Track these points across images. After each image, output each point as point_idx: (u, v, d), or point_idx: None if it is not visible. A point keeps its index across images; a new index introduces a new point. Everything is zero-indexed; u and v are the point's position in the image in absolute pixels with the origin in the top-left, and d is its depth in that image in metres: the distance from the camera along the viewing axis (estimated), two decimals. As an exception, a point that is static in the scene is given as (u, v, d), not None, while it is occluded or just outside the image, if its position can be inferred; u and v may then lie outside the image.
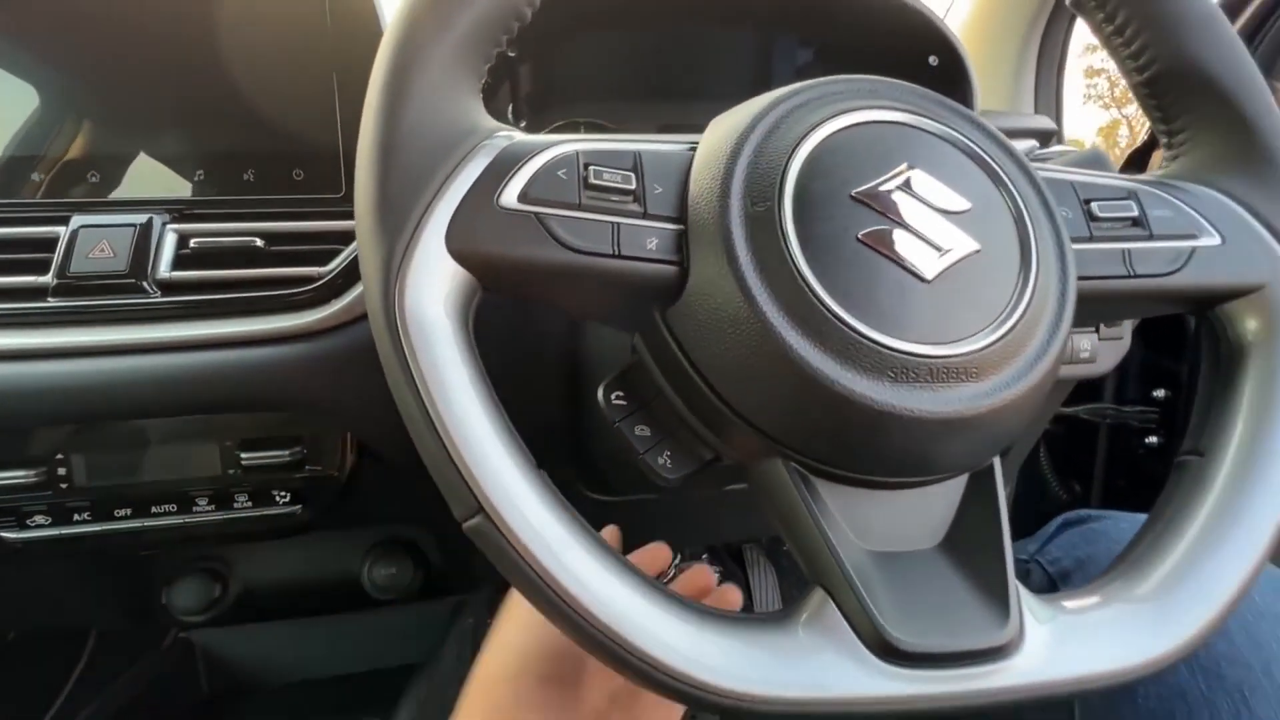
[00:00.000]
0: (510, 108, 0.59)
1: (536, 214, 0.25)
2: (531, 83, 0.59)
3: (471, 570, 0.72)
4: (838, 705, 0.23)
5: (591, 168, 0.26)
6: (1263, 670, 0.31)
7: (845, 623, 0.24)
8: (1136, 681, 0.25)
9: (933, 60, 0.56)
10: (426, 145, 0.25)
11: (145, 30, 0.44)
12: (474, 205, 0.25)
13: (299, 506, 0.46)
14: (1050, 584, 0.44)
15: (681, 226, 0.26)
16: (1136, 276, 0.30)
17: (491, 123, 0.27)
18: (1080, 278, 0.28)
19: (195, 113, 0.44)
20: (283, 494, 0.45)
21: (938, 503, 0.28)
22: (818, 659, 0.24)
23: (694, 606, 0.24)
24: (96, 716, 0.55)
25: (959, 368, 0.24)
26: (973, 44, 0.83)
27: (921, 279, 0.25)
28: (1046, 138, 0.70)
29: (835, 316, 0.24)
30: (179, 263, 0.41)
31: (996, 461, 0.29)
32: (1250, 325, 0.31)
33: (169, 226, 0.41)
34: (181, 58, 0.43)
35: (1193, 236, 0.31)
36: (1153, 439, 0.82)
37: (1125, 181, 0.32)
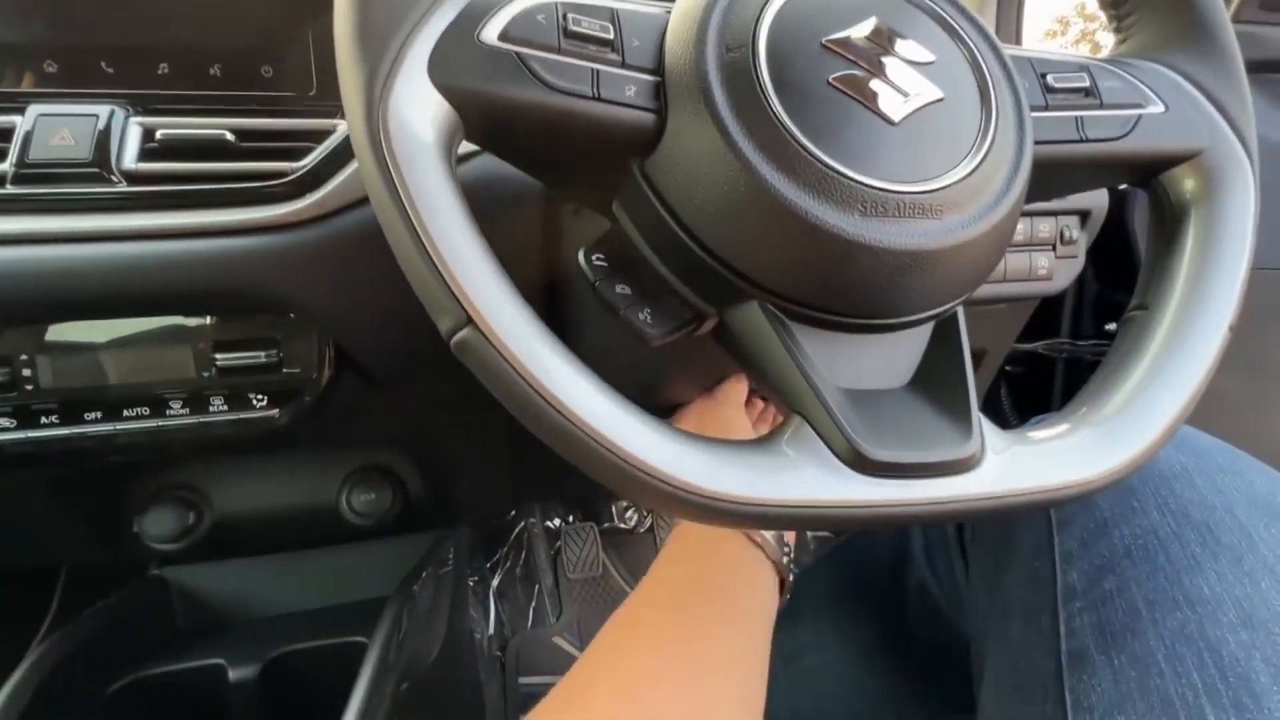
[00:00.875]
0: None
1: (518, 53, 0.25)
2: None
3: (450, 503, 0.72)
4: (811, 506, 0.24)
5: (570, 15, 0.26)
6: (1225, 510, 0.33)
7: (821, 441, 0.26)
8: (1094, 493, 0.27)
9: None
10: None
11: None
12: (456, 39, 0.25)
13: (276, 410, 0.45)
14: None
15: (659, 78, 0.27)
16: (1088, 141, 0.32)
17: None
18: (1036, 142, 0.30)
19: (159, 3, 0.42)
20: (259, 397, 0.45)
21: (905, 348, 0.30)
22: (794, 469, 0.25)
23: (677, 428, 0.26)
24: (67, 648, 0.54)
25: (924, 204, 0.26)
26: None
27: (889, 121, 0.26)
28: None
29: (808, 152, 0.25)
30: (144, 155, 0.40)
31: (960, 312, 0.31)
32: (1189, 185, 0.33)
33: (132, 120, 0.40)
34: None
35: (1139, 105, 0.33)
36: (1106, 371, 0.86)
37: (1078, 57, 0.34)
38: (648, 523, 1.18)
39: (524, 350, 0.23)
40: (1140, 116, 0.33)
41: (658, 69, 0.27)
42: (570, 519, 1.14)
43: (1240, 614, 0.30)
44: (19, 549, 0.59)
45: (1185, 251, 0.32)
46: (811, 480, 0.25)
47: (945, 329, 0.30)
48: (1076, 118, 0.32)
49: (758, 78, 0.25)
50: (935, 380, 0.29)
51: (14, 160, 0.38)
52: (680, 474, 0.24)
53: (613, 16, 0.27)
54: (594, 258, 0.30)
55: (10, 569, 0.65)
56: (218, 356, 0.43)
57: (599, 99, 0.26)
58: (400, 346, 0.48)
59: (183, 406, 0.44)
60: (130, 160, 0.39)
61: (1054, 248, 0.61)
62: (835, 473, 0.25)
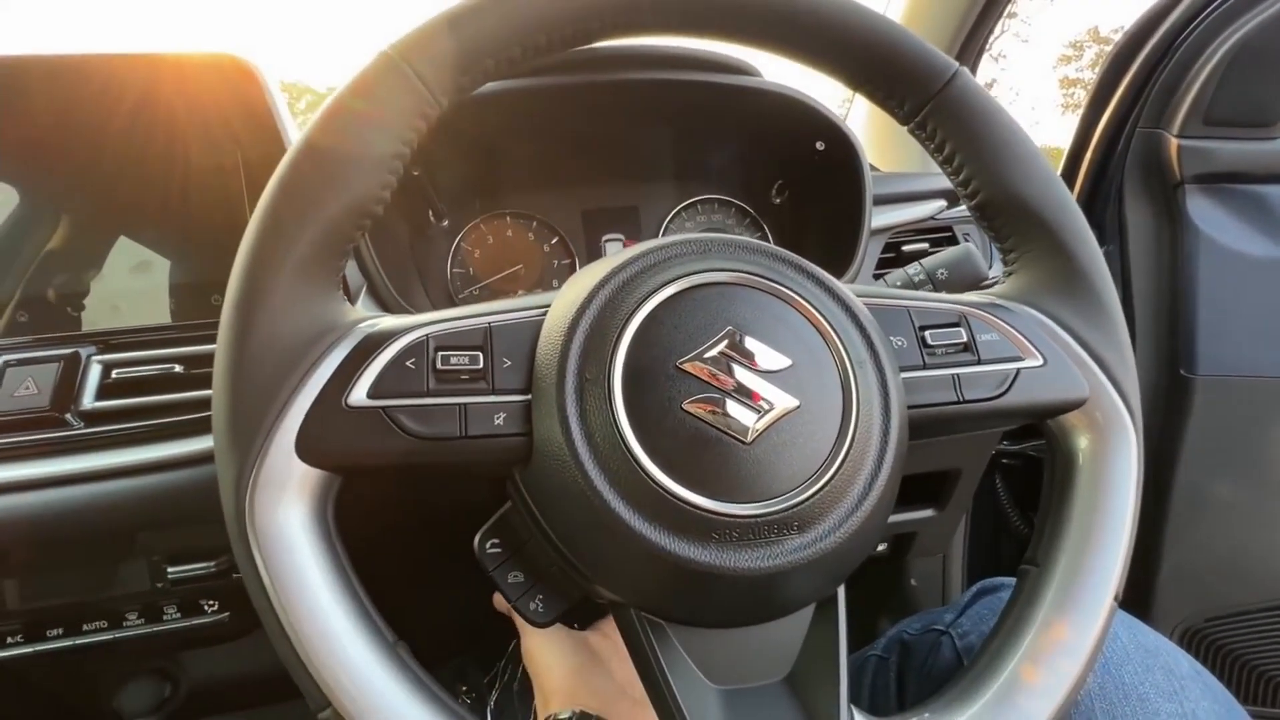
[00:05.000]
0: (430, 210, 0.62)
1: (384, 408, 0.26)
2: (450, 182, 0.62)
3: (433, 649, 0.73)
4: None
5: (440, 353, 0.27)
6: None
7: None
8: None
9: (819, 145, 0.59)
10: (276, 357, 0.26)
11: (79, 186, 0.47)
12: (323, 409, 0.26)
13: (227, 614, 0.47)
14: (957, 658, 0.45)
15: (528, 396, 0.27)
16: (966, 402, 0.31)
17: (347, 317, 0.28)
18: (913, 406, 0.30)
19: (122, 256, 0.47)
20: (210, 603, 0.47)
21: (785, 634, 0.29)
22: None
23: None
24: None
25: (779, 523, 0.25)
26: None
27: (741, 442, 0.26)
28: (955, 197, 0.73)
29: (659, 485, 0.25)
30: (103, 392, 0.43)
31: (840, 590, 0.30)
32: (1081, 442, 0.33)
33: (94, 358, 0.44)
34: (109, 209, 0.47)
35: (1018, 359, 0.32)
36: (1098, 473, 0.83)
37: (957, 305, 0.33)
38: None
39: None
40: (1018, 371, 0.32)
41: (527, 387, 0.28)
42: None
43: None
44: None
45: (1073, 514, 0.32)
46: None
47: (825, 608, 0.30)
48: (954, 376, 0.32)
49: (611, 406, 0.26)
50: (811, 670, 0.29)
51: (-18, 411, 0.41)
52: None
53: (486, 337, 0.28)
54: (489, 544, 0.31)
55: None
56: (170, 569, 0.46)
57: (466, 437, 0.27)
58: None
59: (138, 617, 0.46)
60: (89, 400, 0.43)
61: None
62: None
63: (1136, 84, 0.73)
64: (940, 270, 0.47)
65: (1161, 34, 0.71)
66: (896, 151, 0.85)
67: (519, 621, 0.37)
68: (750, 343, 0.28)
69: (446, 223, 0.64)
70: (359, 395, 0.26)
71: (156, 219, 0.48)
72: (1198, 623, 0.79)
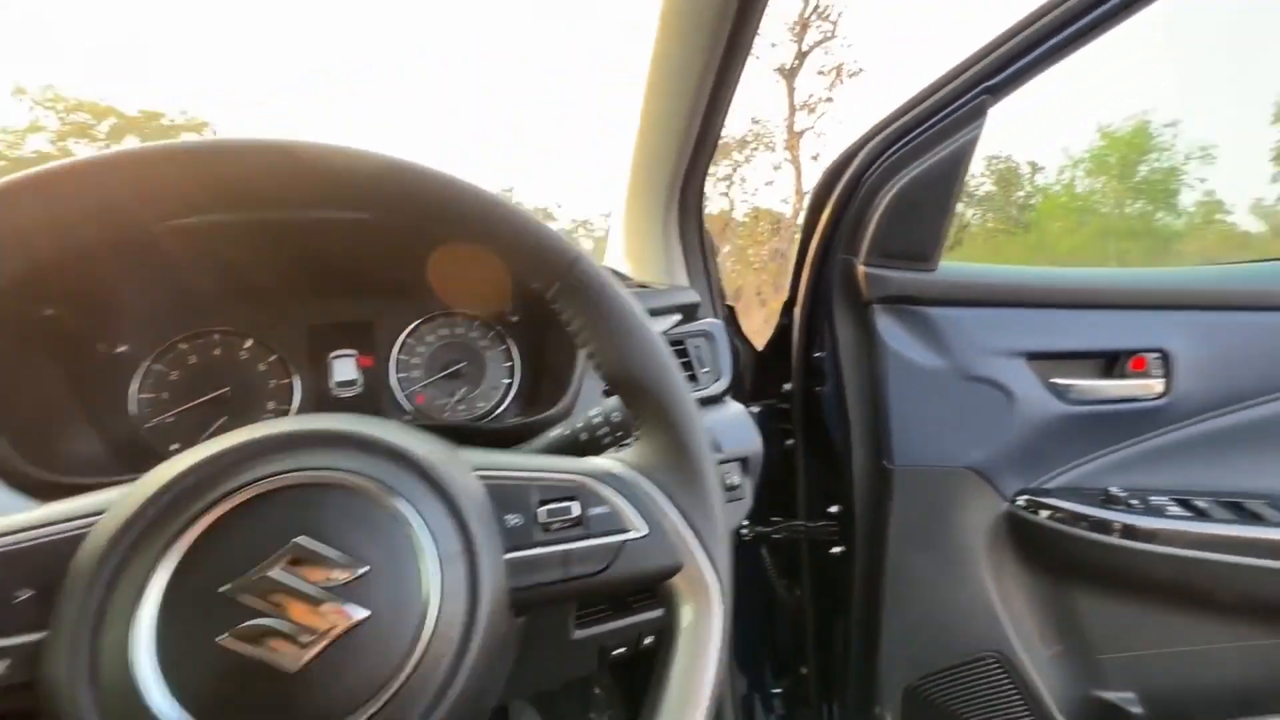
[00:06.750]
0: (97, 341, 0.56)
1: None
2: (138, 302, 0.56)
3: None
4: None
5: None
6: None
7: None
8: None
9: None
10: None
11: None
12: None
13: None
14: None
15: (46, 633, 0.25)
16: (572, 580, 0.33)
17: None
18: (519, 587, 0.31)
19: None
20: None
21: None
22: None
23: None
24: None
25: None
26: (630, 218, 0.94)
27: (286, 671, 0.25)
28: (691, 311, 0.79)
29: None
30: None
31: None
32: (685, 611, 0.35)
33: None
34: None
35: (624, 531, 0.35)
36: (836, 549, 0.93)
37: (578, 476, 0.36)
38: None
39: None
40: (624, 544, 0.34)
41: (46, 623, 0.25)
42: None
43: None
44: None
45: (671, 676, 0.34)
46: None
47: None
48: (564, 552, 0.33)
49: (131, 647, 0.24)
50: None
51: None
52: None
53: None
54: None
55: None
56: None
57: None
58: None
59: None
60: None
61: (744, 463, 0.66)
62: None
63: (834, 216, 0.85)
64: (614, 412, 0.50)
65: (849, 174, 0.84)
66: (650, 262, 0.92)
67: None
68: (317, 553, 0.27)
69: (125, 348, 0.57)
70: None
71: None
72: (915, 680, 0.89)
